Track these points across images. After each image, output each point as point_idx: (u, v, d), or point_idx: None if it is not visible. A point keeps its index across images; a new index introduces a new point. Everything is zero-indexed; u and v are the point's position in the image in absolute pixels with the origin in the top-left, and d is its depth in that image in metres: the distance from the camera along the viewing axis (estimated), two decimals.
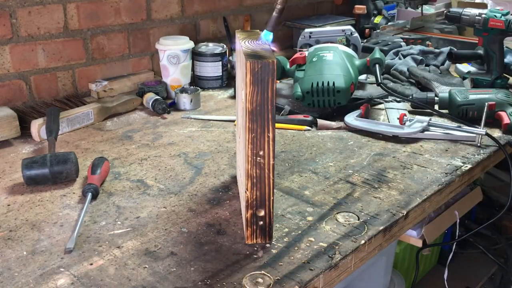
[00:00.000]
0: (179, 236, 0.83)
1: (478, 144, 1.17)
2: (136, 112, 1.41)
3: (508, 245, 1.87)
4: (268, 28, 0.89)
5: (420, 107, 1.35)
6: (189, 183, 1.01)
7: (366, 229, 0.85)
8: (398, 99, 1.41)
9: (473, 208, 1.72)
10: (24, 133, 1.22)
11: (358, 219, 0.88)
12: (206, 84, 1.60)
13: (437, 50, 1.66)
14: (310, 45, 1.53)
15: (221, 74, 1.60)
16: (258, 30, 0.84)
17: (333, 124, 1.28)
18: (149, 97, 1.40)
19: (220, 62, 1.59)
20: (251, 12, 1.89)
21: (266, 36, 0.90)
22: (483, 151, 1.15)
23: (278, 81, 1.56)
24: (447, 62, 1.62)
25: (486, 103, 1.19)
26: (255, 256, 0.77)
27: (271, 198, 0.77)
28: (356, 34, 1.57)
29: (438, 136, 1.22)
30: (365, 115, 1.30)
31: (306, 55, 1.38)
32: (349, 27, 1.59)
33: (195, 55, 1.58)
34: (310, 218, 0.88)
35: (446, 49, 1.64)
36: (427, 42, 1.90)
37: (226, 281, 0.72)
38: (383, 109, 1.38)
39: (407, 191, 0.98)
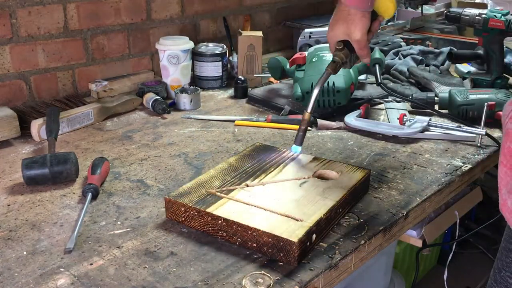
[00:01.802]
0: (179, 236, 0.83)
1: (478, 144, 1.17)
2: (136, 112, 1.41)
3: None
4: (296, 143, 1.00)
5: (420, 107, 1.35)
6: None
7: (366, 229, 0.85)
8: (398, 99, 1.41)
9: (473, 208, 1.72)
10: (24, 133, 1.22)
11: (358, 219, 0.88)
12: (206, 84, 1.60)
13: (437, 50, 1.66)
14: (310, 45, 1.53)
15: (221, 74, 1.60)
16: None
17: (333, 124, 1.28)
18: (149, 97, 1.40)
19: (220, 62, 1.59)
20: (251, 12, 1.89)
21: (295, 149, 1.01)
22: (483, 151, 1.15)
23: (278, 81, 1.56)
24: (447, 62, 1.62)
25: (486, 103, 1.19)
26: (255, 256, 0.77)
27: None
28: None
29: (438, 136, 1.22)
30: (365, 115, 1.30)
31: (306, 55, 1.38)
32: None
33: (195, 55, 1.58)
34: None
35: (446, 49, 1.64)
36: (427, 42, 1.90)
37: (226, 281, 0.72)
38: (383, 109, 1.38)
39: (407, 191, 0.98)
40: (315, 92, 0.99)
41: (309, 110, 0.99)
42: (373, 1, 0.97)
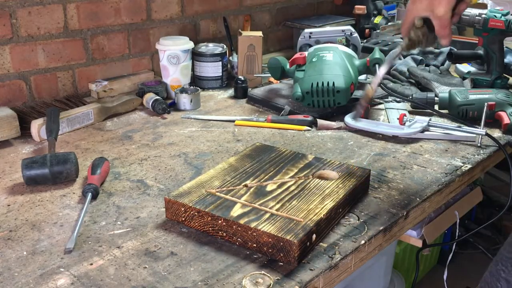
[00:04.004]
0: (179, 236, 0.83)
1: (478, 144, 1.17)
2: (136, 112, 1.41)
3: None
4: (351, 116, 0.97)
5: (420, 107, 1.35)
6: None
7: (366, 229, 0.85)
8: (398, 99, 1.42)
9: (473, 208, 1.72)
10: (24, 133, 1.22)
11: (358, 219, 0.88)
12: (206, 84, 1.60)
13: (437, 50, 1.66)
14: (310, 45, 1.53)
15: (221, 74, 1.60)
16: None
17: (333, 124, 1.28)
18: (149, 97, 1.40)
19: (220, 62, 1.59)
20: (251, 12, 1.89)
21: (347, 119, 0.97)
22: (483, 151, 1.15)
23: (278, 81, 1.56)
24: (447, 62, 1.62)
25: (486, 103, 1.19)
26: (255, 256, 0.77)
27: None
28: (356, 34, 1.57)
29: (438, 136, 1.22)
30: (365, 115, 1.30)
31: (306, 55, 1.38)
32: (349, 27, 1.59)
33: (195, 55, 1.58)
34: None
35: (446, 49, 1.64)
36: None
37: (226, 281, 0.72)
38: (383, 109, 1.38)
39: (407, 191, 0.98)
40: (383, 69, 0.98)
41: (374, 86, 0.95)
42: None
